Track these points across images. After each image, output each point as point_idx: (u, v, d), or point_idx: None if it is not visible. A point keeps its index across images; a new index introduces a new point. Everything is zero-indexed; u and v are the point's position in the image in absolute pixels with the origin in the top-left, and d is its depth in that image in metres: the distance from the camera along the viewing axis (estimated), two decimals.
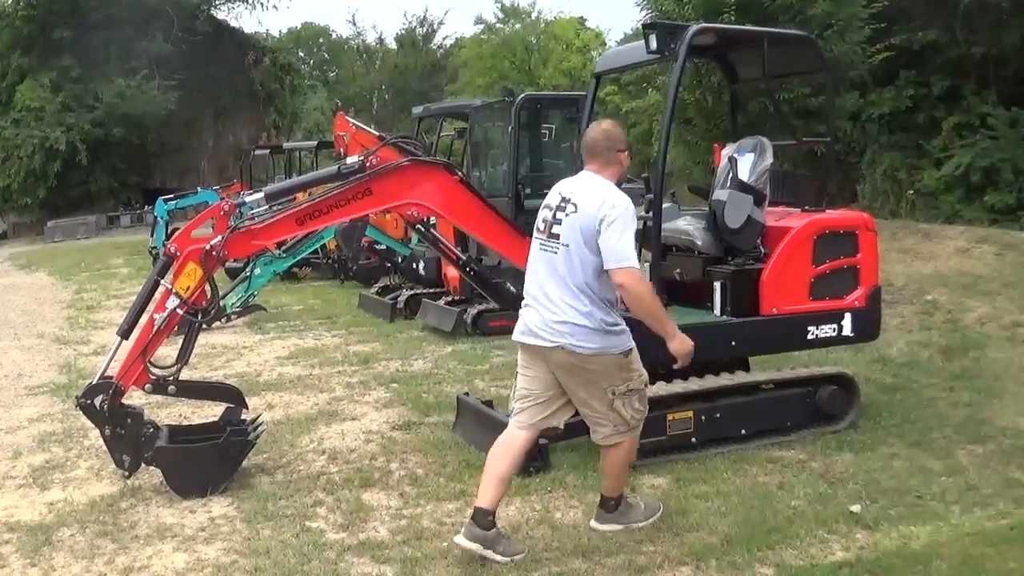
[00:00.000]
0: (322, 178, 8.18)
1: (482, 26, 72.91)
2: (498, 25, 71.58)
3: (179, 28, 45.56)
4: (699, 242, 8.76)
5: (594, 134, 6.72)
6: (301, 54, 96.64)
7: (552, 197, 6.68)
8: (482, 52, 68.93)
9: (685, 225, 8.94)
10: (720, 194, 8.81)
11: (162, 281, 7.66)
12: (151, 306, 7.79)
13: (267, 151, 31.87)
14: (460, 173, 8.24)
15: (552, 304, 6.42)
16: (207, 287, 7.78)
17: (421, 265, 16.66)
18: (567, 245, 6.38)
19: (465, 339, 14.03)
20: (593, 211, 6.28)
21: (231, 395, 8.42)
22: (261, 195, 7.95)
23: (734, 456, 8.17)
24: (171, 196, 26.60)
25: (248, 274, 16.41)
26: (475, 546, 6.35)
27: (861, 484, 7.53)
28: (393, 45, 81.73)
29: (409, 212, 8.00)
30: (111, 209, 47.24)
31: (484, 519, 6.41)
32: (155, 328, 7.62)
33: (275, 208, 7.83)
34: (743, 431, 8.44)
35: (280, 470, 8.43)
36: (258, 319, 16.73)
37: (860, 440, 8.58)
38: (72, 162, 42.94)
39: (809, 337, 8.69)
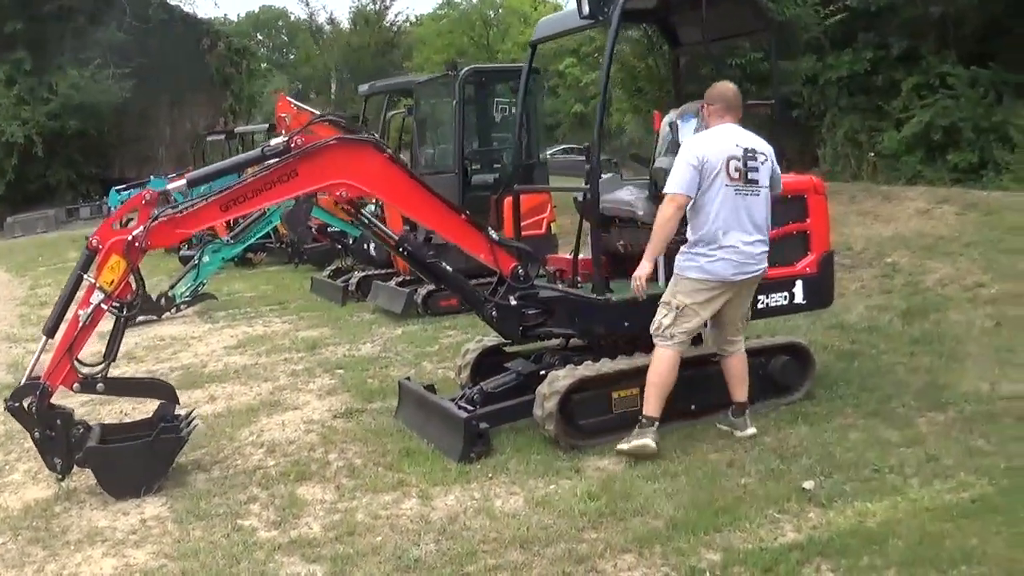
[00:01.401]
0: (247, 161, 7.87)
1: (441, 0, 72.62)
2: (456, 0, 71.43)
3: (132, 15, 45.02)
4: (640, 212, 8.46)
5: (731, 93, 7.78)
6: (260, 37, 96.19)
7: (728, 148, 7.50)
8: (440, 28, 68.70)
9: (627, 195, 8.65)
10: (661, 162, 8.50)
11: (85, 276, 7.33)
12: (76, 302, 7.42)
13: (221, 136, 31.56)
14: (390, 150, 7.91)
15: (756, 238, 7.59)
16: (132, 280, 7.43)
17: (372, 246, 16.36)
18: (765, 186, 7.63)
19: (416, 320, 13.80)
20: (773, 157, 7.72)
21: (163, 391, 8.05)
22: (184, 182, 7.67)
23: (683, 433, 7.87)
24: (123, 186, 26.23)
25: (197, 262, 16.12)
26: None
27: (815, 458, 7.21)
28: (346, 25, 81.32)
29: (338, 193, 7.66)
30: (70, 202, 46.71)
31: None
32: (80, 325, 7.26)
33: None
34: (692, 406, 8.12)
35: (217, 465, 8.14)
36: (208, 308, 16.44)
37: (815, 412, 8.29)
38: (29, 156, 42.51)
39: (759, 306, 8.38)
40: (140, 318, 15.16)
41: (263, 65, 70.72)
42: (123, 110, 46.60)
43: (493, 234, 8.16)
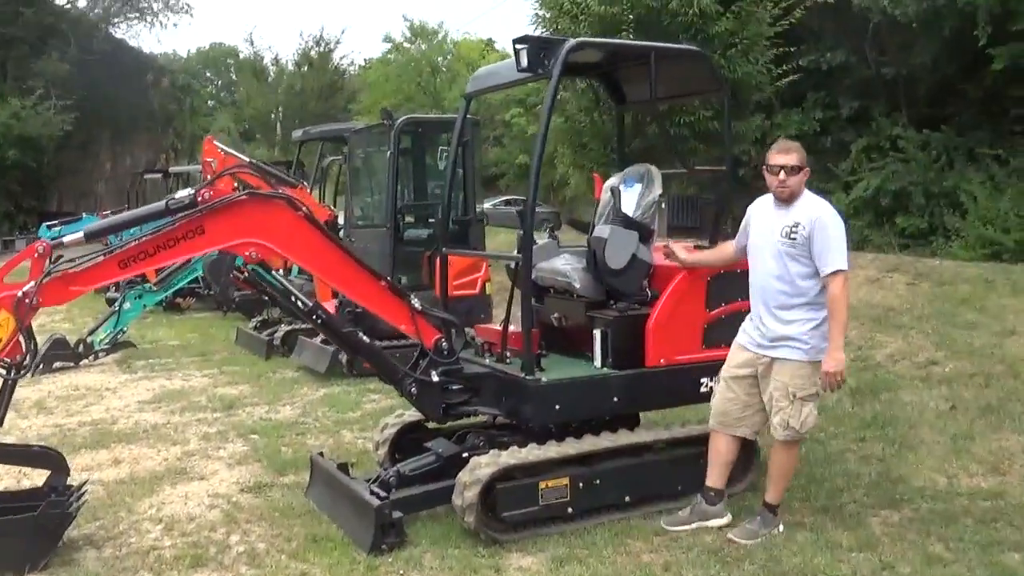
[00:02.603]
0: (150, 214, 7.17)
1: (389, 45, 72.24)
2: (405, 44, 71.04)
3: (76, 47, 44.30)
4: (577, 284, 7.86)
5: None
6: (209, 75, 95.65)
7: None
8: (388, 73, 68.30)
9: (563, 265, 8.03)
10: (601, 230, 7.94)
11: None
12: None
13: (159, 175, 30.86)
14: (305, 208, 7.26)
15: None
16: (22, 339, 6.73)
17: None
18: None
19: (340, 380, 13.10)
20: None
21: (50, 460, 7.42)
22: (81, 234, 6.96)
23: (617, 528, 7.23)
24: (55, 222, 25.46)
25: (118, 308, 15.41)
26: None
27: (759, 564, 6.58)
28: (290, 66, 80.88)
29: (247, 252, 7.01)
30: (7, 233, 45.88)
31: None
32: None
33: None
34: (627, 498, 7.50)
35: (110, 543, 7.45)
36: (128, 357, 15.72)
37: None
38: None
39: (703, 390, 7.80)
40: (57, 364, 14.57)
41: (209, 103, 70.27)
42: (64, 143, 45.89)
43: (416, 303, 7.51)
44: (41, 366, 14.54)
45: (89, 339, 15.30)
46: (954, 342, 12.27)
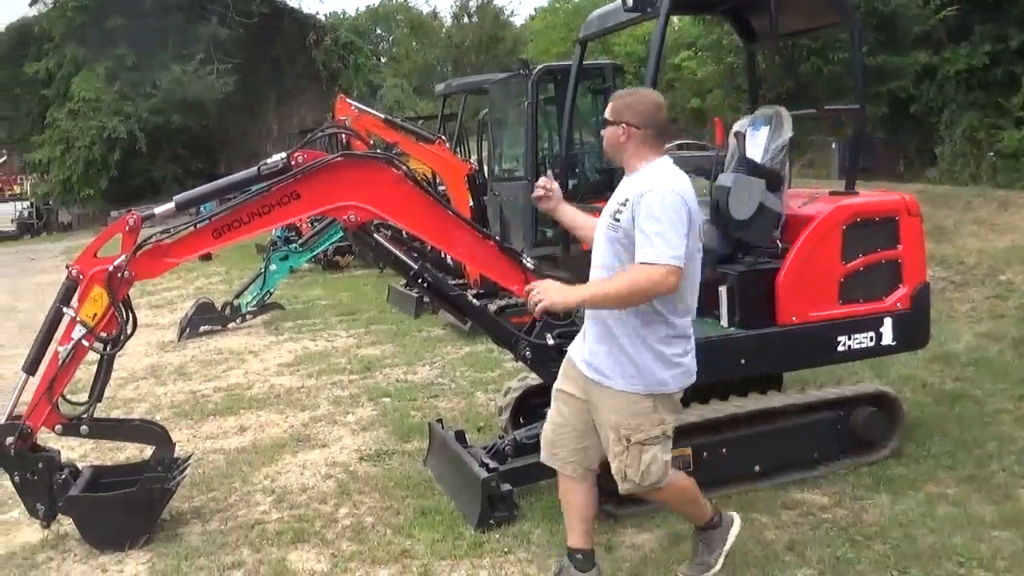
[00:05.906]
0: (242, 181, 7.00)
1: None
2: None
3: (235, 11, 44.51)
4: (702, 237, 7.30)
5: (654, 108, 5.33)
6: (380, 31, 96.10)
7: None
8: (556, 21, 67.91)
9: None
10: (724, 179, 7.32)
11: (66, 309, 6.60)
12: (58, 336, 6.68)
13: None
14: (405, 167, 6.89)
15: None
16: (119, 312, 6.65)
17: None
18: None
19: (484, 338, 12.30)
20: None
21: (153, 435, 7.23)
22: (172, 205, 6.82)
23: (744, 501, 6.71)
24: None
25: (263, 270, 15.31)
26: None
27: (892, 544, 5.99)
28: (448, 19, 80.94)
29: (347, 216, 6.67)
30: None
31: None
32: (60, 362, 6.59)
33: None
34: (757, 468, 7.00)
35: (217, 516, 7.33)
36: (276, 318, 15.74)
37: (902, 475, 7.04)
38: (132, 151, 42.22)
39: (840, 349, 7.16)
40: (204, 328, 14.56)
41: (376, 59, 70.33)
42: (228, 105, 46.19)
43: (529, 263, 7.08)
44: (188, 331, 14.53)
45: (236, 302, 15.29)
46: None
